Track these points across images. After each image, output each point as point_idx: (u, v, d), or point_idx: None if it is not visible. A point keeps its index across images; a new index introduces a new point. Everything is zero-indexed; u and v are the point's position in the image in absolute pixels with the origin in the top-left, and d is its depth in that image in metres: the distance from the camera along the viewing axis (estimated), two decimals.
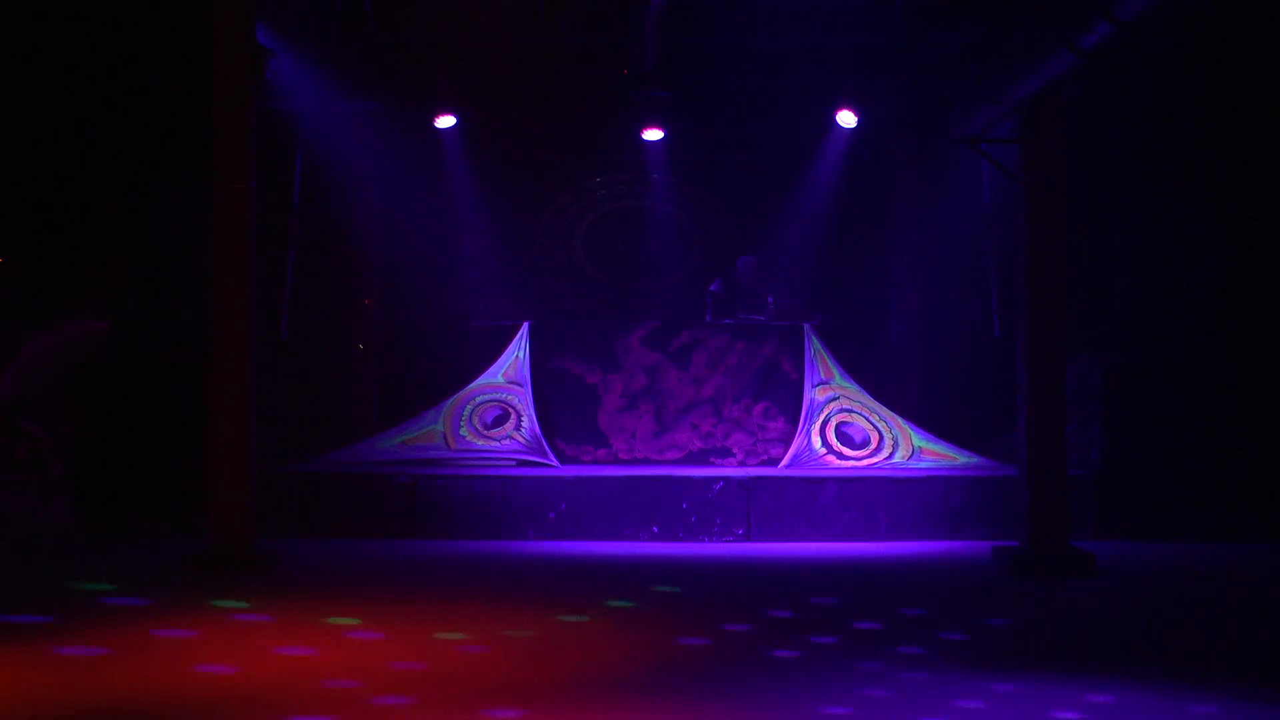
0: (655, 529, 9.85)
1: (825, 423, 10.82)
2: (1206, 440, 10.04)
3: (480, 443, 10.67)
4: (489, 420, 10.79)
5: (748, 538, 9.84)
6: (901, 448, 10.66)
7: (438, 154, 12.91)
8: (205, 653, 6.13)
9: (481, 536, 9.79)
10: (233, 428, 8.31)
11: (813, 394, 10.96)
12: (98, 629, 6.59)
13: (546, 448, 10.72)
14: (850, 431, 10.78)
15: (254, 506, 8.41)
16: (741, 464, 11.01)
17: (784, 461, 10.76)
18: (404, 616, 6.99)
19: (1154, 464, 10.05)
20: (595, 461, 11.02)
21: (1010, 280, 10.25)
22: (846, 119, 11.92)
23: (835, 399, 10.94)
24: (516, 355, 11.09)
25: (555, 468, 10.55)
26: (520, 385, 10.98)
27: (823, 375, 11.04)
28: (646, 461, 11.02)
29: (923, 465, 10.54)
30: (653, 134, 12.39)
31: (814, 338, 11.16)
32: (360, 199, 12.52)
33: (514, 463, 10.58)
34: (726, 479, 9.98)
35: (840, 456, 10.65)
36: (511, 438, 10.70)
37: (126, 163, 10.27)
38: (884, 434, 10.73)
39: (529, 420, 10.79)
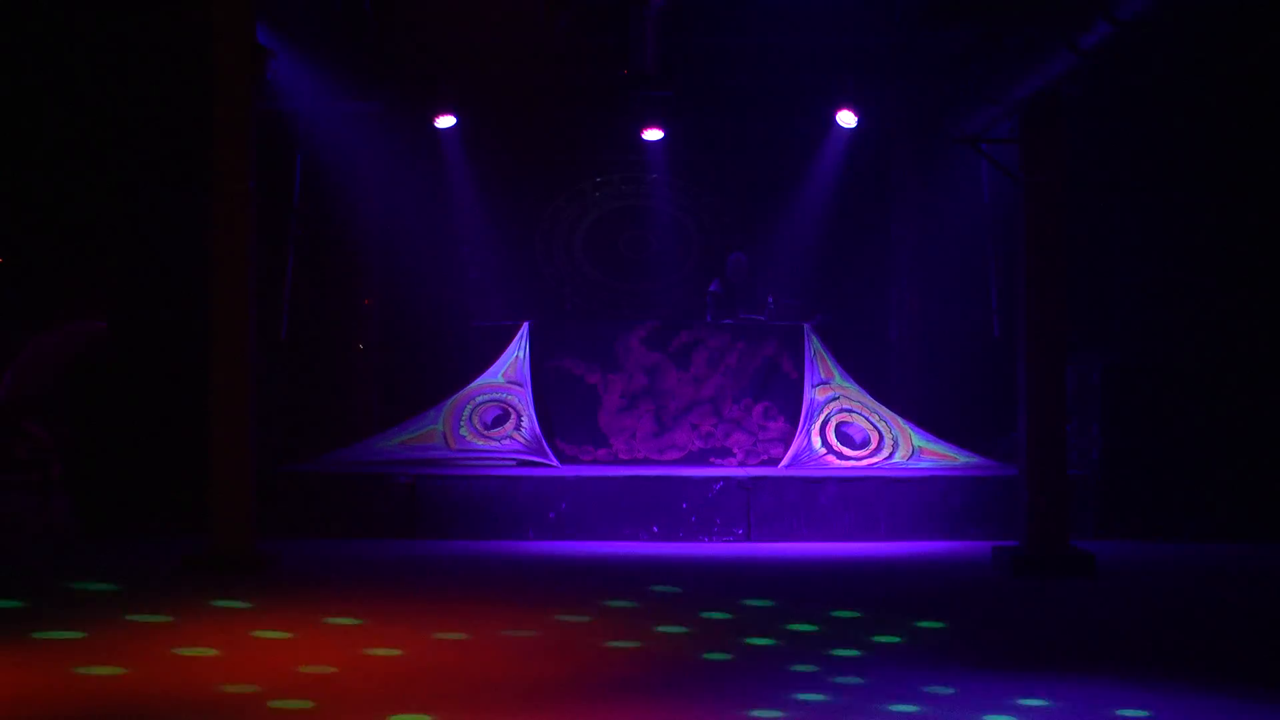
0: (655, 529, 9.85)
1: (825, 423, 10.82)
2: (1206, 440, 10.05)
3: (480, 443, 10.67)
4: (489, 420, 10.79)
5: (748, 538, 9.84)
6: (901, 448, 10.66)
7: (438, 154, 12.92)
8: (203, 653, 6.13)
9: (481, 536, 9.79)
10: (233, 428, 8.32)
11: (813, 394, 10.95)
12: (96, 629, 6.60)
13: (546, 448, 10.72)
14: (850, 431, 10.78)
15: (254, 506, 8.41)
16: (741, 464, 11.01)
17: (784, 461, 10.76)
18: (404, 617, 6.99)
19: (1154, 464, 10.05)
20: (595, 461, 11.02)
21: (1010, 280, 10.26)
22: (846, 119, 11.92)
23: (835, 399, 10.94)
24: (516, 355, 11.09)
25: (555, 468, 10.55)
26: (520, 385, 10.98)
27: (823, 375, 11.04)
28: (646, 461, 11.02)
29: (923, 465, 10.54)
30: (653, 134, 12.40)
31: (814, 338, 11.16)
32: (360, 199, 12.52)
33: (514, 463, 10.58)
34: (726, 479, 9.98)
35: (840, 456, 10.64)
36: (511, 438, 10.70)
37: (126, 163, 10.28)
38: (884, 434, 10.73)
39: (529, 420, 10.79)
